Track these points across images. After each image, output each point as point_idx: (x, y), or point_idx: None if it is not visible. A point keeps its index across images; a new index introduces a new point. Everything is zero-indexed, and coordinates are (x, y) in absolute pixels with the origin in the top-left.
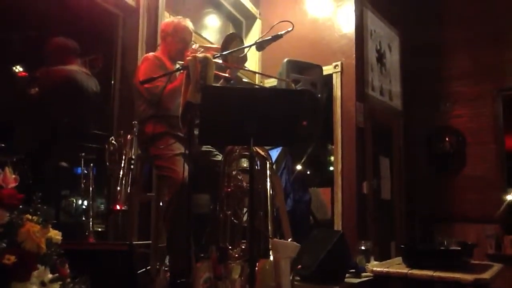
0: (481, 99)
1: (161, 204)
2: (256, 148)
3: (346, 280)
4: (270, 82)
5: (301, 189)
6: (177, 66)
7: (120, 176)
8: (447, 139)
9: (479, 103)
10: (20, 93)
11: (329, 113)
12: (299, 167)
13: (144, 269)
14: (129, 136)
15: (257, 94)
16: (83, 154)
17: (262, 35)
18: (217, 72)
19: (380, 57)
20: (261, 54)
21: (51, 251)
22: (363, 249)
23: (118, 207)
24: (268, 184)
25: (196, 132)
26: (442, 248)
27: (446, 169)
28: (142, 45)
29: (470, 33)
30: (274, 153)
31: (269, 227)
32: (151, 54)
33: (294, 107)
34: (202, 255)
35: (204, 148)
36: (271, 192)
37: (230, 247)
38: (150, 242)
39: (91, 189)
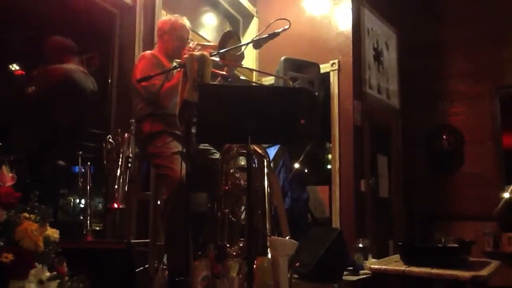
0: (479, 97)
1: (159, 202)
2: (254, 146)
3: (344, 277)
4: (268, 80)
5: (299, 187)
6: (174, 64)
7: (118, 174)
8: (445, 137)
9: (477, 101)
10: (17, 92)
11: (327, 111)
12: (297, 165)
13: (142, 268)
14: (126, 134)
15: (255, 92)
16: (80, 152)
17: (259, 33)
18: (214, 70)
19: (377, 55)
20: (258, 52)
21: (49, 250)
22: (361, 247)
23: (116, 205)
24: (266, 182)
25: (193, 130)
26: (440, 245)
27: (444, 167)
28: (139, 43)
29: (468, 32)
30: (272, 151)
31: (267, 225)
32: (148, 52)
33: (292, 105)
34: (200, 253)
35: (202, 146)
36: (269, 190)
37: (228, 245)
38: (148, 240)
39: (88, 187)
